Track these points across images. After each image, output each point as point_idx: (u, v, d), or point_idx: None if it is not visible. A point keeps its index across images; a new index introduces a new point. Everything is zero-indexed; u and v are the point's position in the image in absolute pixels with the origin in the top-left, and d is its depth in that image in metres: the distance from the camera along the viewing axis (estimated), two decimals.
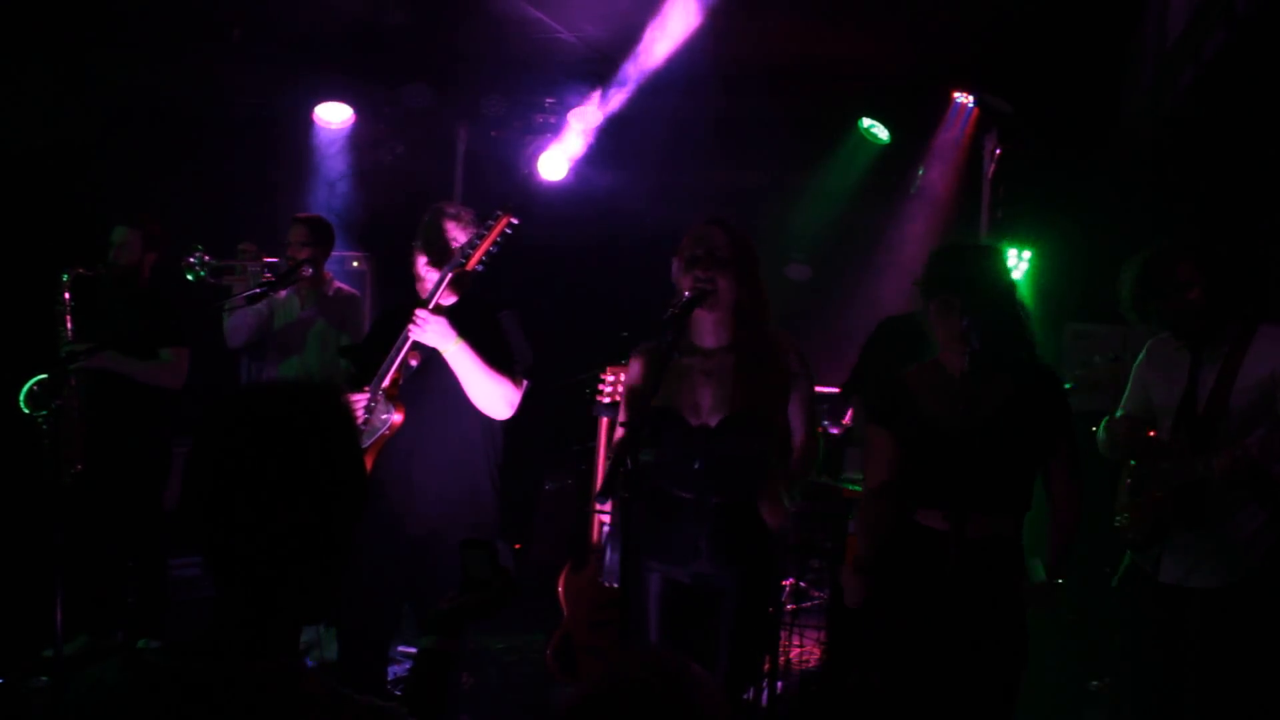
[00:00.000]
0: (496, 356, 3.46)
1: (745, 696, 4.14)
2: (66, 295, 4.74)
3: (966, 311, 2.94)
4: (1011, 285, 3.12)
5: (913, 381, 3.14)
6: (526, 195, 6.81)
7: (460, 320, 3.42)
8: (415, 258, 3.65)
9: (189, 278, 4.94)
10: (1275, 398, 3.19)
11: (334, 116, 6.55)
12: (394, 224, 6.15)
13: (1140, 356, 3.56)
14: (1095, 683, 4.45)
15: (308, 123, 6.59)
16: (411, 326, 3.36)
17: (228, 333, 5.07)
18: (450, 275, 3.42)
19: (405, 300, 3.66)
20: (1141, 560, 3.40)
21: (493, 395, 3.45)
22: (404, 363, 3.45)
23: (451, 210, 3.67)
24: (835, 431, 4.94)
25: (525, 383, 3.56)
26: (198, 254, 4.81)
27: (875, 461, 3.22)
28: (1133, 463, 3.47)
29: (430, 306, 3.40)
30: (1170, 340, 3.42)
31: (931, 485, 3.06)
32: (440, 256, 3.56)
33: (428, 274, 3.59)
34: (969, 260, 3.09)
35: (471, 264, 3.41)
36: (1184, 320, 3.32)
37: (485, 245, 3.40)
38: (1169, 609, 3.32)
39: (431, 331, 3.35)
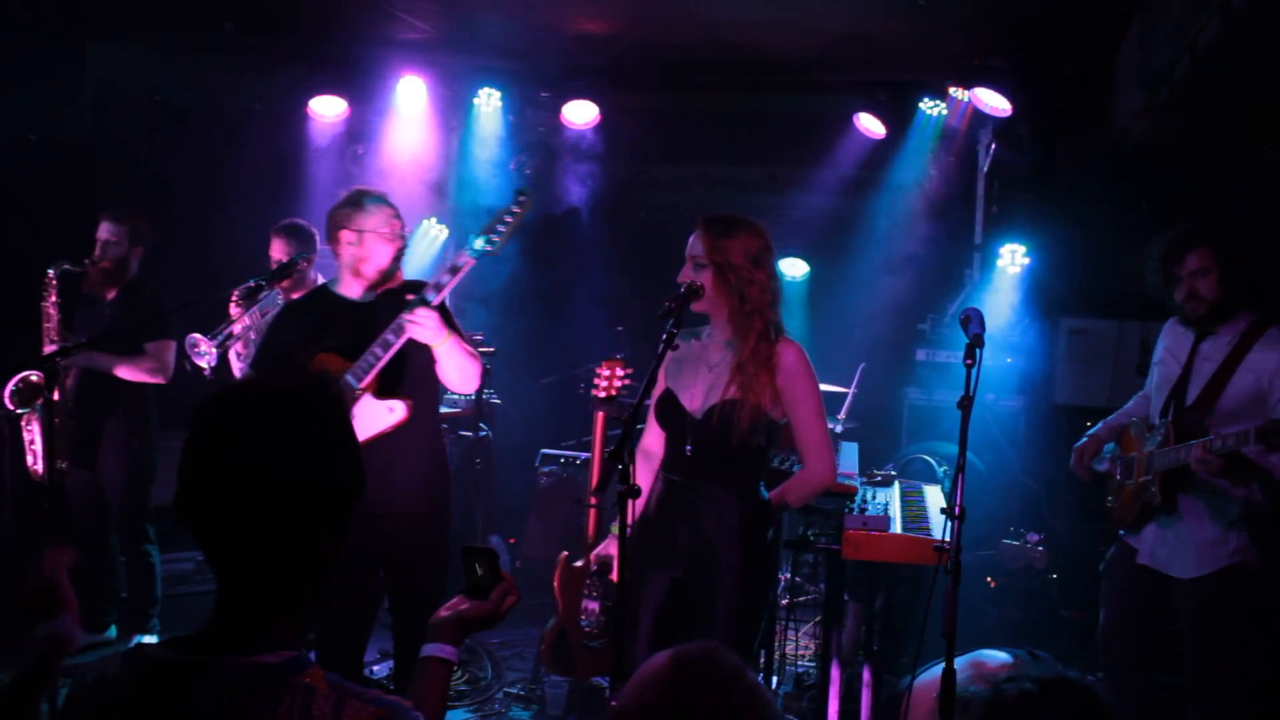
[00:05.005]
0: (466, 339, 3.58)
1: None
2: (53, 291, 4.69)
3: None
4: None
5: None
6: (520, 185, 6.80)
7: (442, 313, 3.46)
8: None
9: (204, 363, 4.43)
10: (1266, 402, 3.25)
11: (328, 110, 6.52)
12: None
13: (1161, 335, 3.63)
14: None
15: (302, 116, 6.56)
16: (410, 325, 3.37)
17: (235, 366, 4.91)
18: (445, 292, 3.43)
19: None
20: (1129, 539, 3.53)
21: (470, 376, 3.56)
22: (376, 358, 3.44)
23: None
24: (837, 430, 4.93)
25: None
26: (205, 343, 4.38)
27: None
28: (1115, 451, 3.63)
29: (434, 304, 3.41)
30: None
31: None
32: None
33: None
34: None
35: (439, 299, 3.42)
36: (1192, 307, 3.38)
37: (453, 282, 3.44)
38: (1150, 590, 3.45)
39: (430, 328, 3.38)
